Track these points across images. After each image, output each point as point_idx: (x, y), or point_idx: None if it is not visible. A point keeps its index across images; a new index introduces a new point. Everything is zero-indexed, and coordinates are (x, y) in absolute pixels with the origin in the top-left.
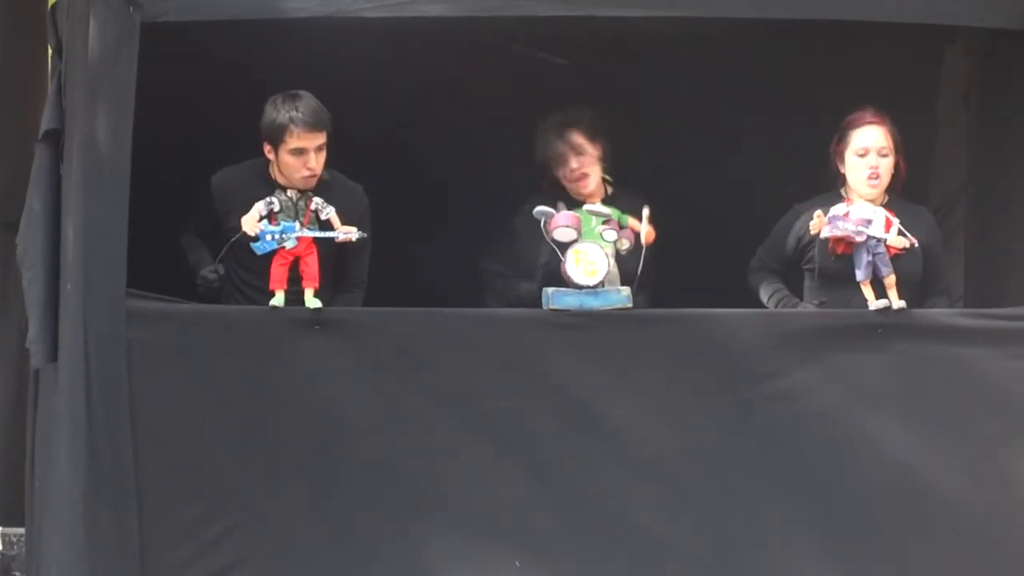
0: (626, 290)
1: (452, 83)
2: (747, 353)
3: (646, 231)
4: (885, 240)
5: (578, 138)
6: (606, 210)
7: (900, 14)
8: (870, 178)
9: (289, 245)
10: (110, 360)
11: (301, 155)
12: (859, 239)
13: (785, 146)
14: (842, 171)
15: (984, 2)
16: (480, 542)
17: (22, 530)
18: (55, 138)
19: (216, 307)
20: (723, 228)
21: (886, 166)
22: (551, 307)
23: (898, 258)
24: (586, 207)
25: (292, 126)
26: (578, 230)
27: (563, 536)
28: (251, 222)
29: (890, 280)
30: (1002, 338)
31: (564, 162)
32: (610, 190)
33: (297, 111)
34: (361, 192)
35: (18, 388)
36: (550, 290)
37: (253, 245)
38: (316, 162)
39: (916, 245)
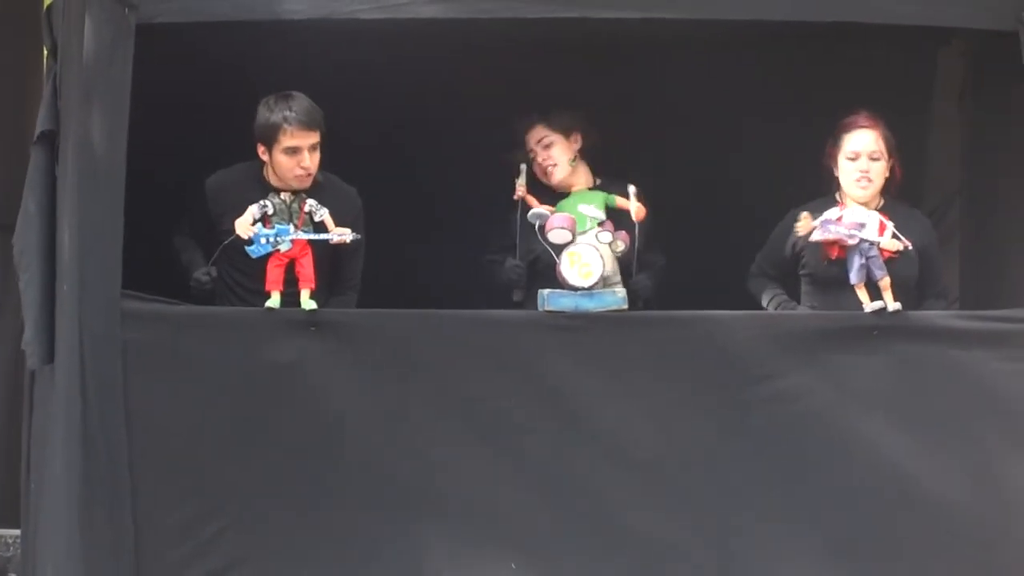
0: (621, 292)
1: (447, 85)
2: (743, 355)
3: (635, 208)
4: (878, 243)
5: (541, 131)
6: (601, 213)
7: (895, 16)
8: (859, 181)
9: (284, 248)
10: (106, 361)
11: (295, 154)
12: (851, 242)
13: (780, 148)
14: (836, 175)
15: (978, 4)
16: (477, 543)
17: (17, 531)
18: (50, 139)
19: (211, 308)
20: (719, 230)
21: (877, 170)
22: (546, 309)
23: (892, 261)
24: (581, 208)
25: (286, 125)
26: (573, 232)
27: (560, 537)
28: (245, 225)
29: (885, 283)
30: (998, 340)
31: (535, 155)
32: (598, 180)
33: (290, 110)
34: (355, 194)
35: (14, 389)
36: (545, 292)
37: (248, 249)
38: (310, 161)
39: (910, 248)
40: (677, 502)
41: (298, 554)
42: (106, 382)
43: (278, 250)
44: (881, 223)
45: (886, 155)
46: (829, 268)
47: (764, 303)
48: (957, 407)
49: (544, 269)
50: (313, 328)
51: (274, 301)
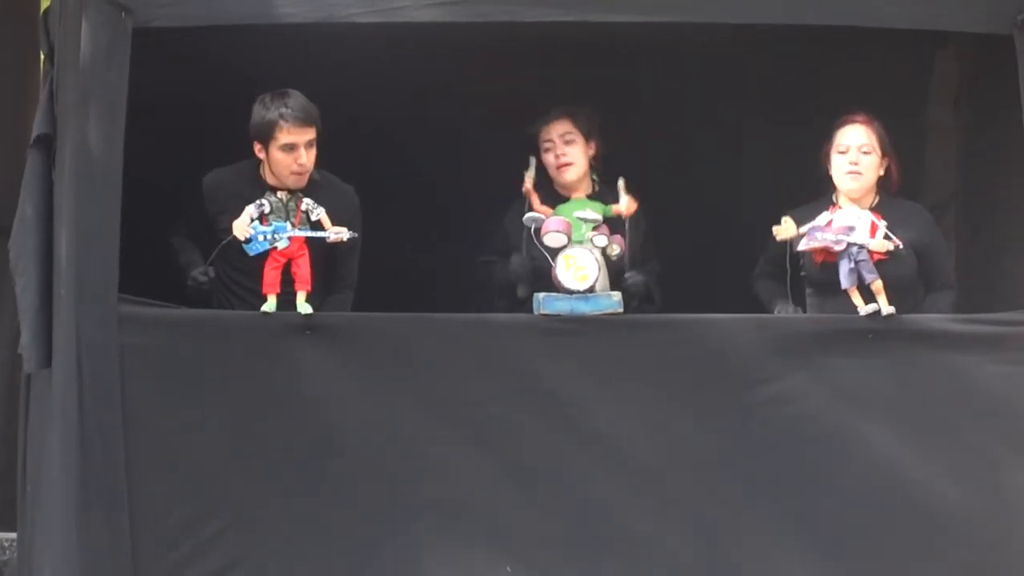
0: (617, 295)
1: (445, 85)
2: (739, 358)
3: (626, 202)
4: (867, 247)
5: (568, 127)
6: (596, 215)
7: (891, 20)
8: (849, 173)
9: (281, 245)
10: (102, 365)
11: (292, 151)
12: (838, 248)
13: (777, 149)
14: (831, 174)
15: (975, 8)
16: (472, 545)
17: (14, 535)
18: (47, 143)
19: (208, 312)
20: (716, 230)
21: (868, 163)
22: (542, 312)
23: (884, 262)
24: (576, 213)
25: (282, 121)
26: (568, 235)
27: (555, 540)
28: (242, 226)
29: (877, 286)
30: (993, 343)
31: (551, 147)
32: (596, 188)
33: (286, 107)
34: (352, 193)
35: (11, 393)
36: (541, 295)
37: (246, 246)
38: (307, 158)
39: (900, 247)
40: (673, 505)
41: (295, 555)
42: (103, 386)
43: (275, 247)
44: (873, 224)
45: (879, 151)
46: (822, 273)
47: (767, 306)
48: (953, 410)
49: (545, 273)
50: (309, 331)
51: (270, 305)
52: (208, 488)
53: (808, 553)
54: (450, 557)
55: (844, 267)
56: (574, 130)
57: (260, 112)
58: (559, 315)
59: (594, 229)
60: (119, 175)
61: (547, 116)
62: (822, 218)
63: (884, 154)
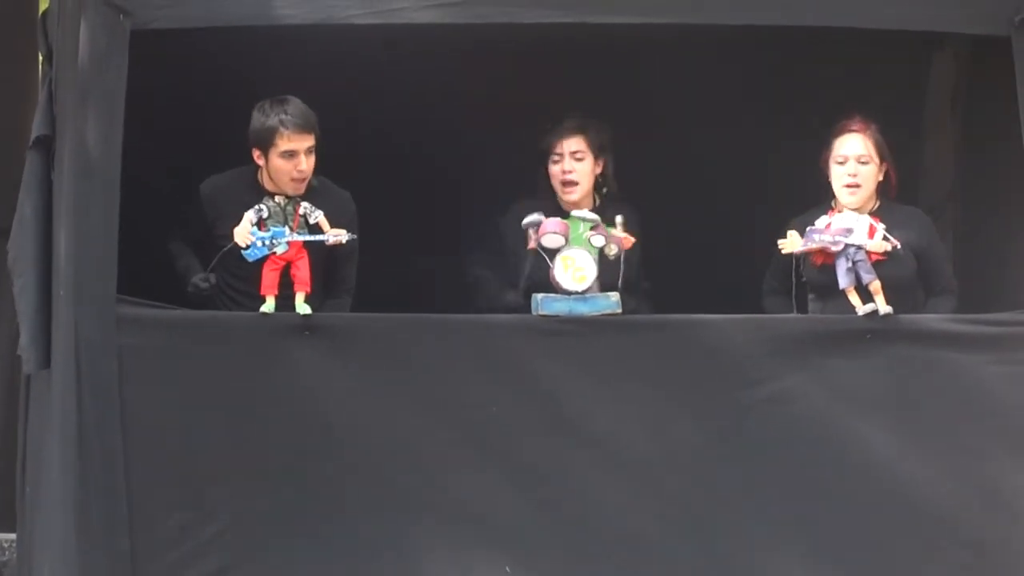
0: (615, 295)
1: (444, 87)
2: (736, 358)
3: (622, 238)
4: (864, 247)
5: (580, 144)
6: (594, 215)
7: (888, 21)
8: (848, 186)
9: (280, 250)
10: (101, 365)
11: (292, 158)
12: (835, 248)
13: (775, 150)
14: (830, 180)
15: (973, 9)
16: (471, 545)
17: (13, 535)
18: (46, 144)
19: (207, 313)
20: (715, 231)
21: (866, 173)
22: (540, 313)
23: (882, 263)
24: (574, 213)
25: (282, 128)
26: (566, 236)
27: (553, 540)
28: (243, 233)
29: (875, 286)
30: (991, 343)
31: (560, 161)
32: (598, 201)
33: (286, 113)
34: (348, 198)
35: (10, 394)
36: (539, 296)
37: (244, 252)
38: (306, 164)
39: (899, 248)
40: (671, 505)
41: (294, 556)
42: (102, 386)
43: (274, 253)
44: (871, 226)
45: (877, 159)
46: (821, 275)
47: None
48: (951, 410)
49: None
50: (307, 332)
51: (269, 306)
52: (207, 489)
53: (807, 553)
54: (449, 556)
55: (841, 267)
56: (585, 147)
57: (259, 119)
58: (557, 316)
59: (592, 229)
60: (117, 176)
61: (560, 128)
62: (821, 221)
63: (882, 160)
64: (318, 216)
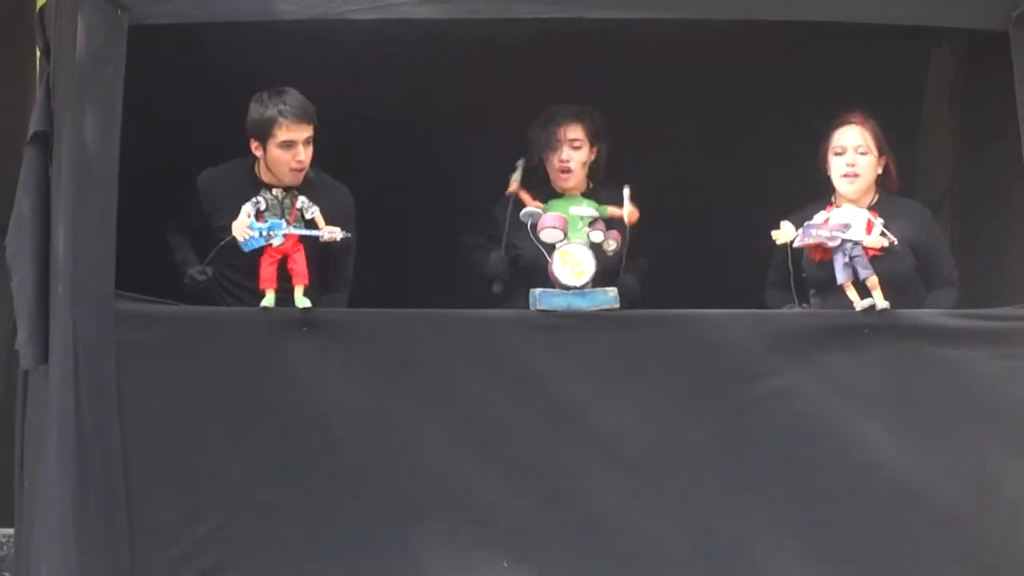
0: (613, 291)
1: (441, 82)
2: (735, 353)
3: (628, 211)
4: (861, 242)
5: (577, 131)
6: (592, 211)
7: (886, 16)
8: (846, 176)
9: (276, 242)
10: (99, 361)
11: (290, 148)
12: (832, 244)
13: (772, 146)
14: (828, 174)
15: (970, 3)
16: (468, 543)
17: (11, 531)
18: (44, 140)
19: (205, 308)
20: (711, 228)
21: (865, 164)
22: (538, 308)
23: (880, 258)
24: (572, 209)
25: (281, 118)
26: (564, 231)
27: (552, 536)
28: (242, 227)
29: (872, 281)
30: (989, 338)
31: (556, 149)
32: (591, 185)
33: (285, 104)
34: (346, 192)
35: (8, 390)
36: (537, 291)
37: (241, 243)
38: (305, 155)
39: (895, 243)
40: (670, 501)
41: (292, 553)
42: (100, 382)
43: (270, 244)
44: (869, 221)
45: (875, 151)
46: (820, 271)
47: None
48: (949, 405)
49: (526, 267)
50: (306, 327)
51: (269, 300)
52: (206, 485)
53: (806, 549)
54: (447, 553)
55: (839, 262)
56: (583, 136)
57: (258, 109)
58: (555, 311)
59: (590, 225)
60: (115, 172)
61: (559, 115)
62: (818, 216)
63: (881, 153)
64: (314, 211)
